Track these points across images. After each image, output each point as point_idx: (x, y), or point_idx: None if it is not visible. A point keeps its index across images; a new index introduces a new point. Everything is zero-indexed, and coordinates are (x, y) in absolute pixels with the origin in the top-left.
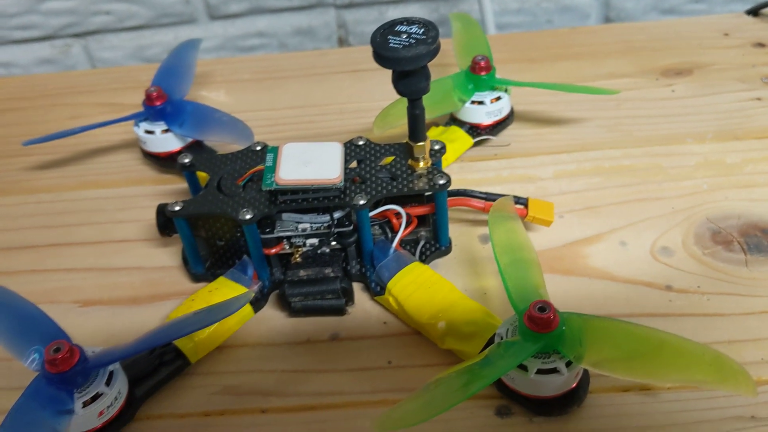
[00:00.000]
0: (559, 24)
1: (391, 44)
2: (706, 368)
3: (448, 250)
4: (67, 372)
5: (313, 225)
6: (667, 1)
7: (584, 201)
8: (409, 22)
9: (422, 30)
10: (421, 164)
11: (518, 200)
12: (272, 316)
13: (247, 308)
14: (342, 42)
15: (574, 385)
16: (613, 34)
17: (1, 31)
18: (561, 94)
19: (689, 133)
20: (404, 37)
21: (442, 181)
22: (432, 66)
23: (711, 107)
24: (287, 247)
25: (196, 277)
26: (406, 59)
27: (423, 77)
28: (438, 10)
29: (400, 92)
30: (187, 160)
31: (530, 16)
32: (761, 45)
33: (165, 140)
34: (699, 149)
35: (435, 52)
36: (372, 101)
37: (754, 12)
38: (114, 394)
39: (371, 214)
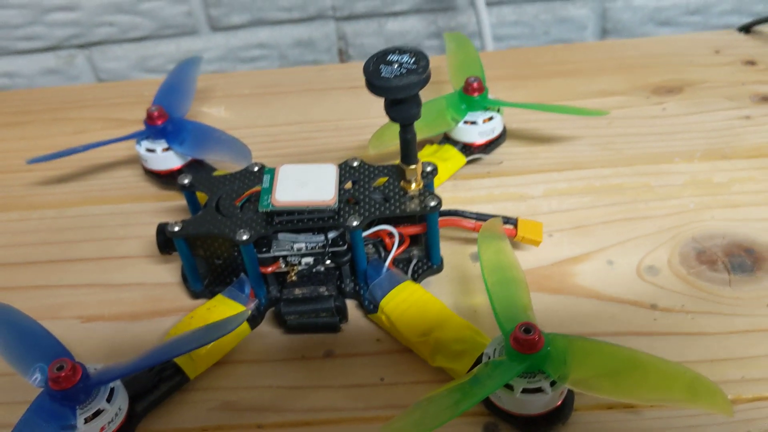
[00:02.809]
0: (556, 35)
1: (383, 74)
2: (683, 388)
3: (439, 268)
4: (69, 389)
5: (309, 245)
6: (664, 13)
7: (573, 220)
8: (401, 51)
9: (413, 59)
10: (413, 186)
11: (508, 220)
12: (268, 332)
13: (244, 325)
14: (342, 54)
15: (559, 403)
16: (606, 50)
17: (6, 42)
18: (553, 113)
19: (678, 151)
20: (396, 66)
21: (432, 203)
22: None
23: (700, 126)
24: (283, 266)
25: (195, 294)
26: (397, 88)
27: (414, 104)
28: (436, 23)
29: (392, 118)
30: (186, 181)
31: (528, 27)
32: (752, 63)
33: (166, 158)
34: (687, 168)
35: (425, 81)
36: (369, 118)
37: (746, 29)
38: (115, 410)
39: (365, 233)
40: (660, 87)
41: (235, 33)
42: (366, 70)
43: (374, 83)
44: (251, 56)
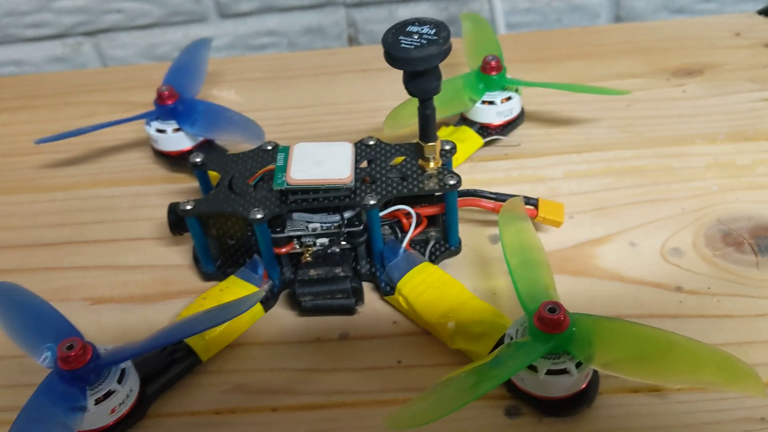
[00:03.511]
0: (568, 23)
1: (402, 45)
2: (715, 369)
3: (457, 250)
4: (79, 369)
5: (324, 225)
6: (678, 0)
7: (594, 202)
8: (421, 22)
9: (433, 30)
10: (432, 164)
11: (528, 201)
12: (282, 315)
13: (258, 307)
14: (352, 41)
15: (584, 385)
16: (623, 34)
17: (14, 29)
18: (571, 94)
19: (700, 133)
20: (416, 37)
21: (452, 182)
22: (442, 66)
23: (722, 108)
24: (297, 247)
25: (207, 276)
26: (417, 60)
27: (434, 77)
28: (448, 9)
29: (411, 92)
30: (198, 160)
31: (540, 15)
32: None
33: (176, 139)
34: (709, 150)
35: (446, 52)
36: (382, 101)
37: (765, 12)
38: (126, 391)
39: (381, 214)
40: (680, 69)
41: (244, 20)
42: (385, 41)
43: (393, 54)
44: (260, 44)
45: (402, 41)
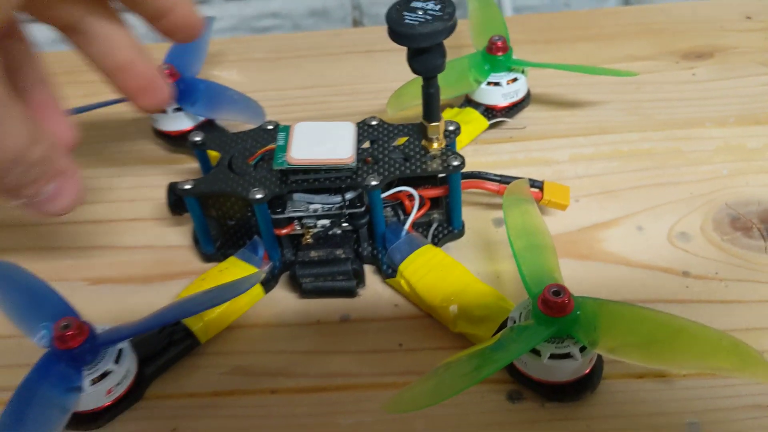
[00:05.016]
0: (576, 7)
1: (406, 20)
2: (724, 355)
3: (461, 233)
4: (75, 349)
5: (325, 206)
6: None
7: (601, 185)
8: None
9: (438, 6)
10: (435, 145)
11: (533, 183)
12: (283, 296)
13: (258, 288)
14: (356, 23)
15: (588, 370)
16: (633, 15)
17: None
18: (579, 76)
19: (710, 117)
20: (420, 13)
21: (456, 163)
22: (447, 47)
23: (732, 91)
24: (298, 228)
25: (206, 257)
26: (422, 36)
27: (439, 55)
28: None
29: (415, 70)
30: (198, 139)
31: None
32: None
33: (176, 119)
34: (719, 133)
35: (452, 28)
36: (385, 82)
37: None
38: (123, 372)
39: (383, 195)
40: (689, 52)
41: (247, 2)
42: (389, 17)
43: (397, 31)
44: (264, 26)
45: (406, 17)
